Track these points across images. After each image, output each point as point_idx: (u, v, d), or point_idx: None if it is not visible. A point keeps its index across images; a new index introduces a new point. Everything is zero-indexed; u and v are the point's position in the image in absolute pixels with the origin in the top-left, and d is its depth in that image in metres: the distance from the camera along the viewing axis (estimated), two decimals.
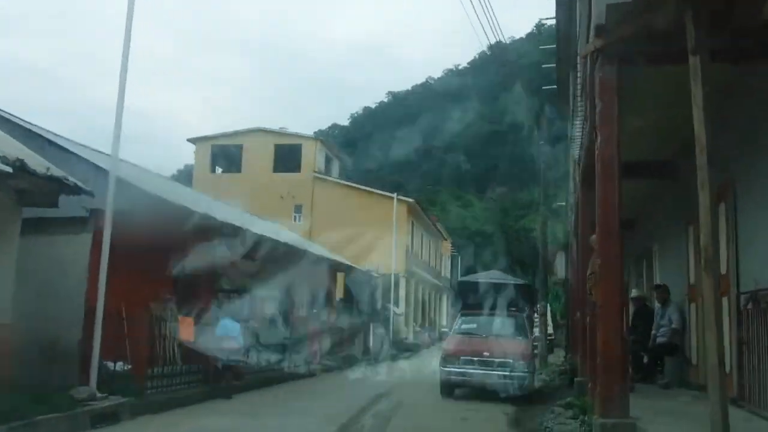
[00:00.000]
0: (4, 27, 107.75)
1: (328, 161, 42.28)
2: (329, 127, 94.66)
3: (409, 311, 40.24)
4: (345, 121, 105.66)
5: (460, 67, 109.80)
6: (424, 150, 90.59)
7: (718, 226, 5.27)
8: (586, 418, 8.94)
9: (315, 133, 64.78)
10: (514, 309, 16.39)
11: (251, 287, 18.67)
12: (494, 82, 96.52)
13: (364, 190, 40.10)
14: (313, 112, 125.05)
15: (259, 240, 17.58)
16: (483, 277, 17.39)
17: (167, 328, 13.18)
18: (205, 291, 15.40)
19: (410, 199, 38.72)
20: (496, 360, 14.29)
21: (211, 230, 14.60)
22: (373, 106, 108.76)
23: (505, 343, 15.12)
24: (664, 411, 6.76)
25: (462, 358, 14.49)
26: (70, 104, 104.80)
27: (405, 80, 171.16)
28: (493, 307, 16.32)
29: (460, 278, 18.22)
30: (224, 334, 13.84)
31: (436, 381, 15.14)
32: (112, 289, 10.74)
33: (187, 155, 42.68)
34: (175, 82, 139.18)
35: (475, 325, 16.13)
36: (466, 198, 79.30)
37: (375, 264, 33.71)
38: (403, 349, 34.33)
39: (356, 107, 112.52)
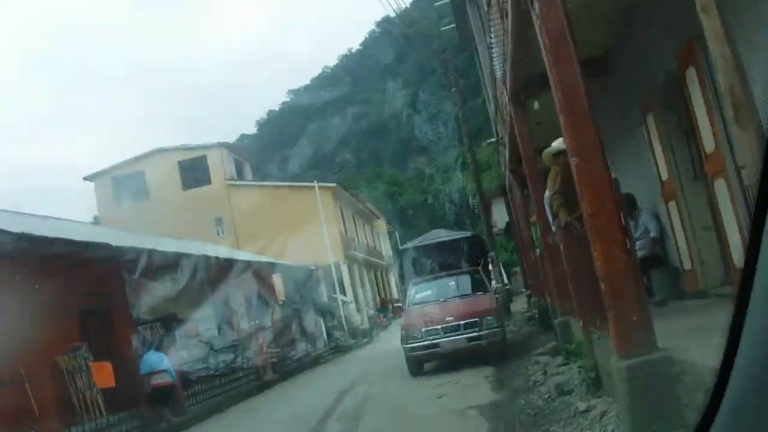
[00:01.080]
0: None
1: (239, 167, 40.10)
2: (238, 139, 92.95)
3: (357, 296, 38.66)
4: (252, 129, 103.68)
5: (353, 50, 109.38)
6: (337, 139, 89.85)
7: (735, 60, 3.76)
8: (583, 363, 7.54)
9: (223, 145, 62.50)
10: (467, 265, 14.97)
11: (177, 311, 16.77)
12: (391, 55, 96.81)
13: (284, 186, 38.23)
14: (216, 128, 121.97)
15: (172, 259, 15.66)
16: (427, 239, 15.81)
17: (82, 378, 11.22)
18: (120, 326, 13.45)
19: (332, 184, 36.96)
20: (461, 322, 12.81)
21: (110, 259, 12.65)
22: (276, 108, 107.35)
23: (466, 302, 13.69)
24: (691, 330, 5.33)
25: (424, 330, 12.95)
26: None
27: (301, 76, 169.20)
28: (445, 268, 14.86)
29: (401, 246, 16.41)
30: (150, 370, 11.94)
31: (402, 362, 13.61)
32: None
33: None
34: (68, 123, 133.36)
35: (429, 292, 14.60)
36: (388, 174, 78.56)
37: (311, 258, 32.00)
38: (360, 336, 32.84)
39: (260, 114, 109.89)
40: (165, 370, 11.91)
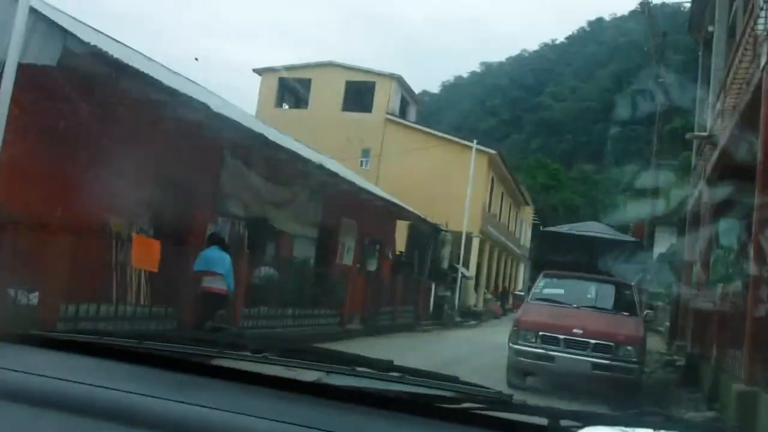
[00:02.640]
0: None
1: (404, 104, 37.82)
2: (420, 93, 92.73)
3: (480, 276, 35.79)
4: (436, 89, 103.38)
5: (557, 42, 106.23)
6: (512, 122, 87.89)
7: None
8: None
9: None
10: (618, 276, 11.83)
11: (275, 219, 14.72)
12: (591, 60, 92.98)
13: (442, 138, 35.61)
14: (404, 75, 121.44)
15: (286, 158, 13.52)
16: (578, 229, 12.70)
17: (124, 252, 9.29)
18: (198, 212, 11.49)
19: (492, 150, 33.93)
20: (592, 341, 9.84)
21: (209, 127, 10.59)
22: (465, 75, 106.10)
23: (605, 318, 10.67)
24: None
25: (542, 334, 10.08)
26: None
27: (499, 52, 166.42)
28: (589, 270, 11.79)
29: (543, 229, 13.36)
30: (204, 268, 9.85)
31: (502, 362, 10.83)
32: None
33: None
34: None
35: (562, 291, 11.62)
36: (552, 167, 74.83)
37: (445, 219, 29.41)
38: (469, 316, 30.12)
39: (448, 76, 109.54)
40: (221, 275, 9.75)
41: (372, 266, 19.46)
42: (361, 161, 35.07)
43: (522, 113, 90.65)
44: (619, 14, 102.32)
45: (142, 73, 8.96)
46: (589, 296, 11.46)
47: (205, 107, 10.09)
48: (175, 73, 13.65)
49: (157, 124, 9.60)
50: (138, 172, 9.24)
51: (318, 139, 31.05)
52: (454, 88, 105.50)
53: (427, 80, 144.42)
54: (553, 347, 9.97)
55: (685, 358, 13.29)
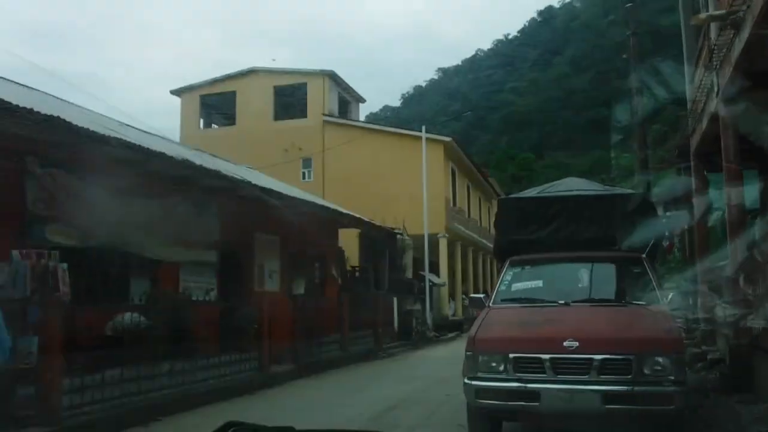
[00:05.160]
0: None
1: (344, 103, 33.93)
2: (381, 110, 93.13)
3: (454, 281, 31.81)
4: (397, 102, 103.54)
5: (510, 37, 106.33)
6: (477, 123, 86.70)
7: None
8: None
9: (367, 116, 58.01)
10: (621, 246, 7.91)
11: (141, 244, 10.70)
12: (546, 49, 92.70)
13: (390, 132, 31.78)
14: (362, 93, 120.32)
15: (160, 163, 9.60)
16: (552, 190, 8.70)
17: None
18: None
19: (446, 138, 30.02)
20: (597, 356, 5.86)
21: None
22: (423, 84, 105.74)
23: (611, 315, 6.73)
24: None
25: (514, 356, 6.10)
26: None
27: (453, 56, 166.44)
28: (577, 245, 7.85)
29: (502, 197, 9.21)
30: None
31: None
32: None
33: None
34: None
35: (540, 283, 7.66)
36: (521, 157, 72.66)
37: (404, 221, 25.53)
38: (445, 329, 26.18)
39: (406, 87, 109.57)
40: None
41: (301, 289, 15.40)
42: (303, 173, 31.15)
43: (485, 113, 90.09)
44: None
45: None
46: (580, 285, 7.48)
47: None
48: None
49: None
50: None
51: (253, 155, 27.24)
52: (415, 99, 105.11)
53: (387, 94, 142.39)
54: (535, 376, 6.01)
55: (727, 350, 9.37)
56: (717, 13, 7.45)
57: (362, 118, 37.37)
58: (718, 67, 8.96)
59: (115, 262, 10.52)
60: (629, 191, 9.63)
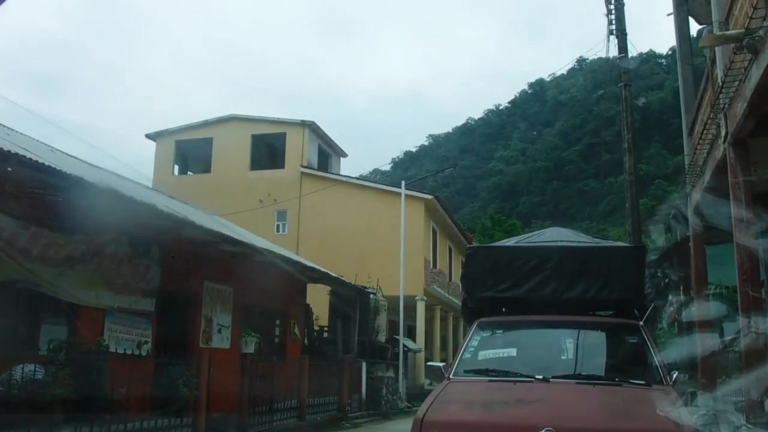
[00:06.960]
0: None
1: (324, 156, 32.73)
2: (371, 172, 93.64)
3: (432, 347, 30.09)
4: (387, 167, 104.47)
5: (500, 107, 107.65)
6: (466, 190, 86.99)
7: None
8: None
9: (357, 178, 57.20)
10: (613, 310, 6.43)
11: (51, 285, 9.15)
12: (536, 120, 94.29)
13: (370, 187, 30.50)
14: (351, 161, 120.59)
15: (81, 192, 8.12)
16: (535, 239, 7.25)
17: None
18: None
19: (427, 195, 28.75)
20: None
21: None
22: (413, 149, 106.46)
23: (602, 397, 5.17)
24: None
25: None
26: None
27: (445, 123, 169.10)
28: (560, 307, 6.40)
29: (472, 246, 7.98)
30: None
31: None
32: None
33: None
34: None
35: (513, 351, 6.16)
36: (508, 223, 72.05)
37: (378, 281, 24.00)
38: (421, 398, 24.22)
39: (397, 152, 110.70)
40: None
41: (251, 347, 13.76)
42: (277, 225, 29.70)
43: (474, 180, 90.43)
44: (558, 73, 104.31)
45: None
46: (563, 357, 6.00)
47: None
48: None
49: None
50: None
51: (227, 204, 25.92)
52: (405, 164, 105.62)
53: (378, 158, 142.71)
54: None
55: None
56: (732, 33, 6.18)
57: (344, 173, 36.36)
58: (726, 106, 7.70)
59: (21, 303, 8.95)
60: (624, 245, 8.22)
